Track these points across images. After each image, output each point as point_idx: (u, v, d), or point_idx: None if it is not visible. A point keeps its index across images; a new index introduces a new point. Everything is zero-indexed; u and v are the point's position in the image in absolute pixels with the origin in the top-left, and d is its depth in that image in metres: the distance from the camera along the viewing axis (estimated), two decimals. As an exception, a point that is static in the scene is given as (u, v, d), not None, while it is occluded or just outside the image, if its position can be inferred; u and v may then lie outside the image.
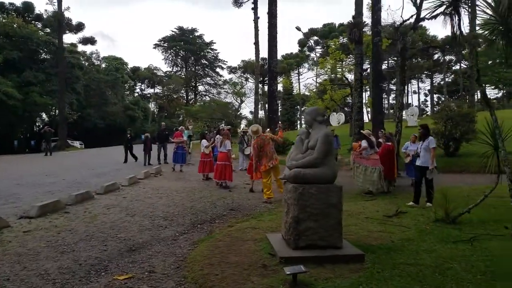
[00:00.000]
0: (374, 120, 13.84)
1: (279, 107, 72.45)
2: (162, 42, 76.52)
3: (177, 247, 6.08)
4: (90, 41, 58.68)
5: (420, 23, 18.40)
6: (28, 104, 39.88)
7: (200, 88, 79.56)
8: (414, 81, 79.80)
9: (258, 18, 26.10)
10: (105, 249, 5.88)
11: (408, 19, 17.27)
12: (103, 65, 62.14)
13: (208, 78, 78.65)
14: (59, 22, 39.09)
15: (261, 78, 46.44)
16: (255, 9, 26.88)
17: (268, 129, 16.11)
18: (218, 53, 78.61)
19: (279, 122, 20.36)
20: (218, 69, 77.75)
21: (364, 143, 10.86)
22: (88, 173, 15.09)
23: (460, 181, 13.27)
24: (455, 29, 6.89)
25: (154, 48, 77.81)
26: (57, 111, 45.34)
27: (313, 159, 5.24)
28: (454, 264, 4.80)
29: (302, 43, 60.85)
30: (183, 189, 11.63)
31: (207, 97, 75.72)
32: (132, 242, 6.29)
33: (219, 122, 35.94)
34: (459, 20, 6.83)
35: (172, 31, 76.32)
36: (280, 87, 64.83)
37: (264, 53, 27.38)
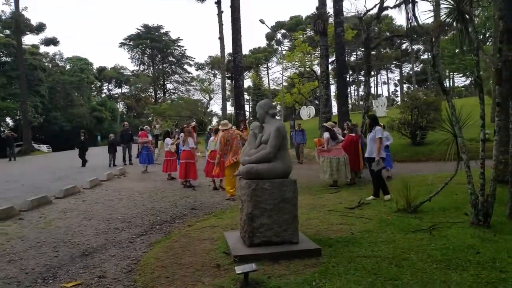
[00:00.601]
0: (339, 111, 13.81)
1: (250, 102, 72.46)
2: (128, 40, 74.66)
3: (133, 249, 5.84)
4: (53, 41, 57.29)
5: (385, 12, 18.51)
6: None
7: (169, 86, 78.28)
8: (383, 72, 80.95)
9: (222, 12, 25.78)
10: (55, 255, 5.60)
11: (372, 9, 17.37)
12: (68, 66, 60.61)
13: (176, 76, 77.39)
14: (17, 23, 37.74)
15: (230, 74, 46.11)
16: (218, 3, 26.44)
17: (234, 126, 15.99)
18: (186, 50, 77.59)
19: (246, 121, 20.36)
20: (186, 66, 76.65)
21: (326, 135, 10.76)
22: (49, 177, 14.56)
23: (426, 169, 13.43)
24: (409, 16, 6.83)
25: (120, 47, 76.05)
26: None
27: (265, 153, 5.08)
28: (411, 254, 4.73)
29: (270, 37, 60.62)
30: (146, 189, 11.33)
31: (176, 95, 74.61)
32: (86, 246, 6.01)
33: (188, 120, 35.45)
34: (414, 7, 6.75)
35: (138, 29, 74.62)
36: (250, 82, 64.91)
37: (230, 48, 27.09)
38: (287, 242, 4.99)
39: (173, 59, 77.25)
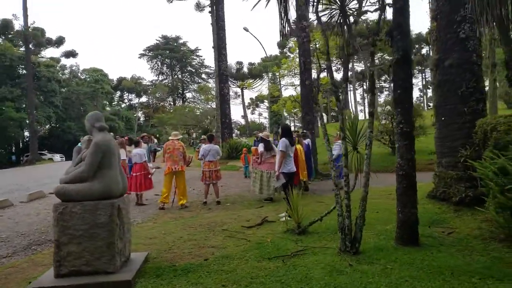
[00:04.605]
0: (303, 120, 13.11)
1: (268, 110, 71.72)
2: (147, 51, 75.98)
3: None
4: (72, 54, 59.16)
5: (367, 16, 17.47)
6: (4, 120, 39.98)
7: (188, 95, 79.04)
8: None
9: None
10: None
11: (352, 13, 16.63)
12: (88, 78, 61.72)
13: (195, 85, 77.99)
14: (25, 37, 39.03)
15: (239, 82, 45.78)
16: (212, 12, 26.11)
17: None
18: (204, 59, 78.13)
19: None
20: (204, 75, 77.11)
21: (260, 147, 10.08)
22: (12, 189, 14.41)
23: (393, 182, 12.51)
24: (282, 15, 6.13)
25: (140, 57, 77.42)
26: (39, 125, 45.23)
27: (79, 173, 4.55)
28: (232, 289, 4.10)
29: (281, 45, 59.81)
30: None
31: (195, 104, 74.98)
32: None
33: (193, 128, 35.21)
34: (286, 4, 6.05)
35: (157, 40, 76.10)
36: (265, 90, 64.27)
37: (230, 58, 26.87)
38: (100, 272, 4.43)
39: (192, 69, 77.84)
